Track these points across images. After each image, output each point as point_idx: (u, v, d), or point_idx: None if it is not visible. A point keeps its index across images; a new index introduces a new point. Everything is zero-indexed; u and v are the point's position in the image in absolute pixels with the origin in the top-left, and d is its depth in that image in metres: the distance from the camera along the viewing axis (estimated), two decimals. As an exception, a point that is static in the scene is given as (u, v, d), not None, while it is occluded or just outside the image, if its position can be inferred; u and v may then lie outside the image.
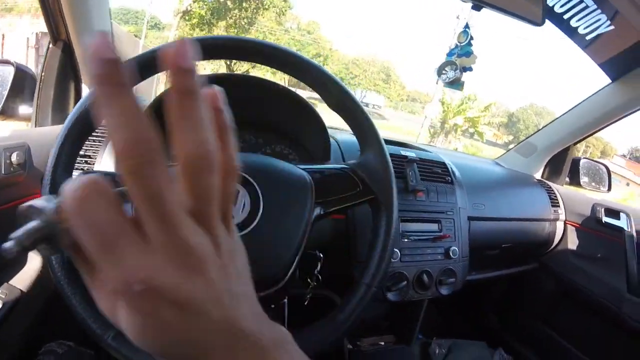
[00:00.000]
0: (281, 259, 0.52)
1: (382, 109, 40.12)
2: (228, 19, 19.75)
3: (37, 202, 0.22)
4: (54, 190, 0.50)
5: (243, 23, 20.57)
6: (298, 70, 0.58)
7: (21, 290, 0.83)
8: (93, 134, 0.84)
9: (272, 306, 0.54)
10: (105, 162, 0.80)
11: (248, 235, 0.50)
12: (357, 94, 33.53)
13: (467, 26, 1.22)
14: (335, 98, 0.59)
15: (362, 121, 0.61)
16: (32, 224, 0.21)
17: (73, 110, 0.51)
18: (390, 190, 0.60)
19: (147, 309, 0.21)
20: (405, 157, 0.98)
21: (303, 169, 0.58)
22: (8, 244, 0.21)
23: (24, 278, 0.85)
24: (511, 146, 1.64)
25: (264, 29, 23.93)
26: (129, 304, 0.21)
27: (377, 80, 34.32)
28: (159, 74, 0.59)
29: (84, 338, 0.83)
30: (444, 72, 1.22)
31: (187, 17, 18.13)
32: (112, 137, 0.19)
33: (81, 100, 0.52)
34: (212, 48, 0.55)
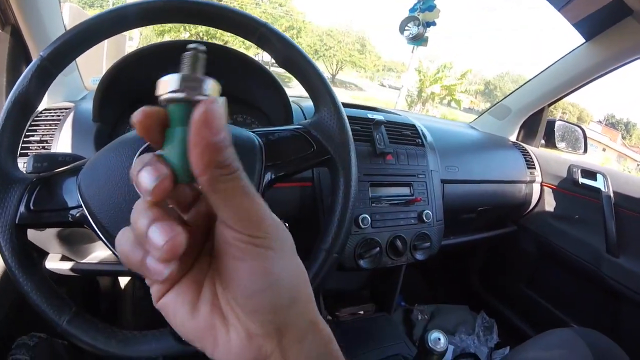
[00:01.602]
0: None
1: (358, 80, 40.13)
2: (197, -7, 19.35)
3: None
4: (1, 175, 0.47)
5: (211, -2, 20.21)
6: (241, 27, 0.56)
7: (-12, 286, 0.81)
8: (47, 118, 0.81)
9: None
10: (61, 145, 0.78)
11: None
12: (334, 67, 33.44)
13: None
14: (282, 53, 0.56)
15: (314, 78, 0.57)
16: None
17: (12, 91, 0.49)
18: (347, 148, 0.57)
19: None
20: (372, 119, 0.96)
21: (253, 132, 0.56)
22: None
23: (-9, 274, 0.82)
24: (485, 110, 1.63)
25: (234, 3, 23.41)
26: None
27: (352, 51, 33.86)
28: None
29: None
30: (406, 28, 1.20)
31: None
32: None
33: (18, 82, 0.49)
34: (146, 13, 0.53)
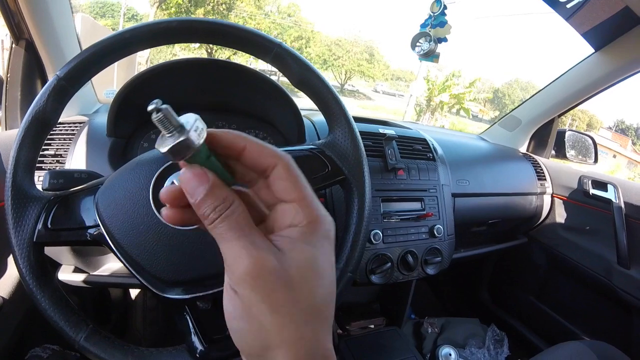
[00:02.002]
0: None
1: (367, 89, 40.08)
2: (206, 5, 19.54)
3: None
4: (17, 193, 0.48)
5: (222, 9, 20.36)
6: (256, 46, 0.56)
7: (3, 298, 0.82)
8: (61, 132, 0.82)
9: None
10: (76, 160, 0.79)
11: None
12: (342, 76, 33.43)
13: (440, -5, 1.19)
14: (297, 74, 0.56)
15: (328, 97, 0.58)
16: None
17: (29, 110, 0.49)
18: (361, 169, 0.57)
19: (331, 239, 0.28)
20: (384, 134, 0.96)
21: None
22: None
23: (5, 285, 0.83)
24: (496, 121, 1.62)
25: (243, 14, 23.59)
26: (327, 232, 0.28)
27: (360, 60, 33.90)
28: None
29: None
30: (418, 44, 1.20)
31: (164, 7, 17.85)
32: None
33: (36, 99, 0.49)
34: (162, 32, 0.53)
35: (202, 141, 0.24)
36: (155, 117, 0.24)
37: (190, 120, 0.25)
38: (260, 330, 0.24)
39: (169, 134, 0.24)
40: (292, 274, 0.24)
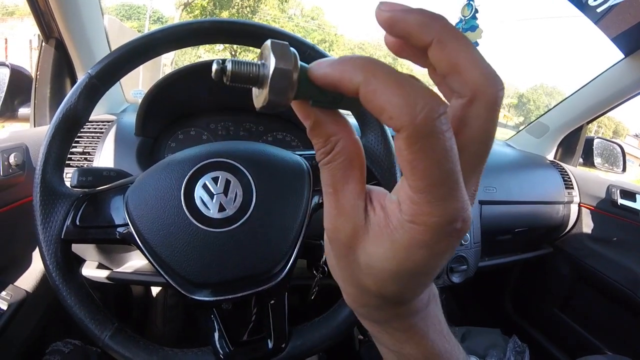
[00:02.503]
0: (277, 252, 0.50)
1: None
2: (230, 8, 19.75)
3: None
4: (46, 190, 0.48)
5: (246, 12, 20.58)
6: None
7: (26, 291, 0.83)
8: (90, 131, 0.83)
9: (272, 302, 0.52)
10: (104, 158, 0.79)
11: (241, 227, 0.47)
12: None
13: (471, -2, 1.16)
14: None
15: None
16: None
17: (60, 107, 0.50)
18: (394, 174, 0.56)
19: (452, 246, 0.19)
20: None
21: (300, 155, 0.55)
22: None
23: (29, 279, 0.85)
24: (522, 127, 1.59)
25: (267, 17, 23.82)
26: (432, 242, 0.19)
27: (384, 64, 34.06)
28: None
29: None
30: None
31: (189, 9, 18.13)
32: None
33: (67, 96, 0.50)
34: (194, 33, 0.53)
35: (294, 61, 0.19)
36: (229, 68, 0.19)
37: (267, 46, 0.19)
38: (334, 270, 0.26)
39: (256, 81, 0.20)
40: (359, 255, 0.21)
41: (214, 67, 0.20)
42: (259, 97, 0.20)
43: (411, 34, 0.19)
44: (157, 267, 0.48)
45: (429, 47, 0.19)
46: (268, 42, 0.19)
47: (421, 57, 0.22)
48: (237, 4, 20.05)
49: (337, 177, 0.21)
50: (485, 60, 0.19)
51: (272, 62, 0.18)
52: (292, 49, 0.19)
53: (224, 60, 0.20)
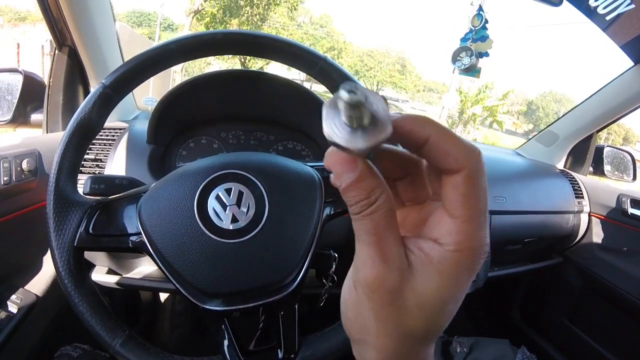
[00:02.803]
0: (289, 263, 0.50)
1: (398, 101, 39.84)
2: (240, 16, 19.91)
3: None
4: (59, 198, 0.49)
5: (255, 20, 20.73)
6: (302, 60, 0.56)
7: (36, 295, 0.84)
8: (102, 138, 0.84)
9: (282, 313, 0.52)
10: (115, 165, 0.80)
11: (253, 238, 0.47)
12: (375, 87, 33.34)
13: (480, 9, 1.16)
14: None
15: None
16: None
17: (74, 116, 0.50)
18: None
19: (480, 267, 0.23)
20: None
21: (311, 167, 0.55)
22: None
23: (40, 283, 0.86)
24: (532, 135, 1.58)
25: (277, 25, 24.01)
26: (474, 264, 0.23)
27: (392, 71, 33.89)
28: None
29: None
30: (458, 58, 1.17)
31: (199, 17, 18.28)
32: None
33: (81, 105, 0.51)
34: (208, 44, 0.54)
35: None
36: (351, 99, 0.18)
37: (379, 104, 0.20)
38: (363, 329, 0.25)
39: (360, 125, 0.19)
40: (407, 298, 0.23)
41: (344, 89, 0.19)
42: (353, 136, 0.20)
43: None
44: (169, 276, 0.48)
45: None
46: (374, 97, 0.20)
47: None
48: (246, 12, 20.21)
49: (380, 226, 0.22)
50: (458, 141, 0.23)
51: (384, 125, 0.20)
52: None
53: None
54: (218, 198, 0.48)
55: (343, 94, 0.19)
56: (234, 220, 0.47)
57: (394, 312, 0.23)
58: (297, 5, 23.27)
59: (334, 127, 0.20)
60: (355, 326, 0.25)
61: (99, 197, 0.53)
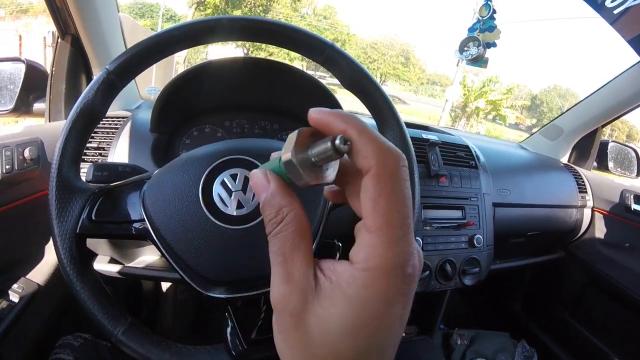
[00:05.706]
0: None
1: (402, 93, 39.69)
2: (243, 7, 19.86)
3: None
4: (62, 184, 0.48)
5: (258, 11, 20.73)
6: (309, 47, 0.55)
7: (38, 284, 0.84)
8: (105, 126, 0.83)
9: None
10: (118, 154, 0.79)
11: (258, 225, 0.47)
12: (378, 79, 33.20)
13: (488, -1, 1.15)
14: (348, 76, 0.56)
15: (380, 101, 0.56)
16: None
17: (77, 101, 0.50)
18: (412, 174, 0.56)
19: (405, 294, 0.21)
20: (427, 140, 0.95)
21: None
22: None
23: (42, 272, 0.85)
24: (536, 129, 1.57)
25: (280, 16, 23.89)
26: (389, 287, 0.20)
27: (396, 63, 33.70)
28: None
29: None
30: (465, 48, 1.16)
31: (201, 8, 18.24)
32: None
33: (85, 91, 0.50)
34: (215, 30, 0.53)
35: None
36: (344, 148, 0.21)
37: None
38: (281, 354, 0.23)
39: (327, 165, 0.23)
40: (311, 324, 0.21)
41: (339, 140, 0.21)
42: (323, 174, 0.23)
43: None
44: (172, 263, 0.48)
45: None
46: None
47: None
48: (249, 2, 20.18)
49: (286, 246, 0.22)
50: (375, 138, 0.22)
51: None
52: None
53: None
54: (223, 184, 0.48)
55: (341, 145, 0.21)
56: (239, 206, 0.47)
57: (300, 339, 0.21)
58: (300, -5, 23.20)
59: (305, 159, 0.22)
60: (281, 353, 0.23)
61: (102, 184, 0.52)
